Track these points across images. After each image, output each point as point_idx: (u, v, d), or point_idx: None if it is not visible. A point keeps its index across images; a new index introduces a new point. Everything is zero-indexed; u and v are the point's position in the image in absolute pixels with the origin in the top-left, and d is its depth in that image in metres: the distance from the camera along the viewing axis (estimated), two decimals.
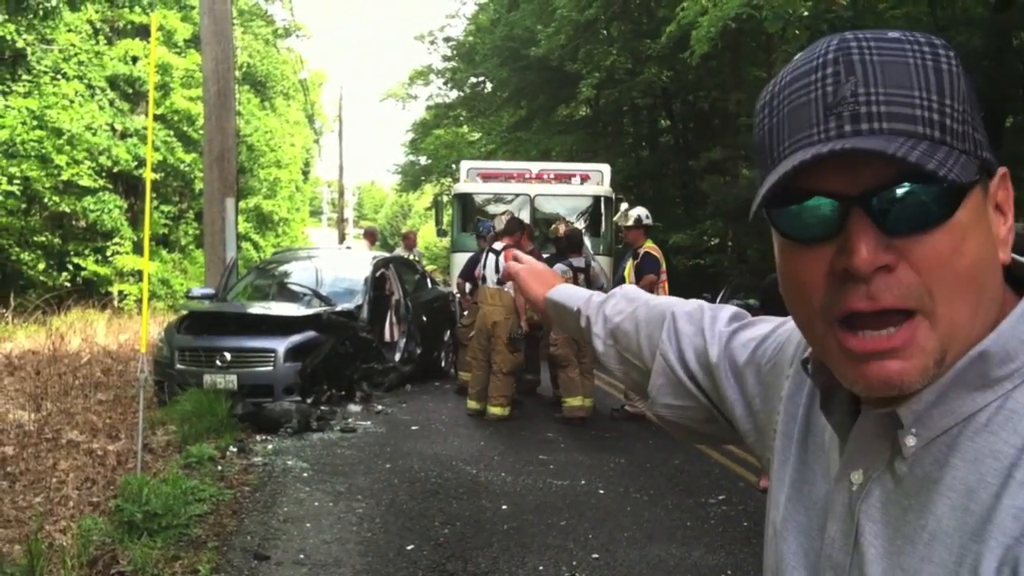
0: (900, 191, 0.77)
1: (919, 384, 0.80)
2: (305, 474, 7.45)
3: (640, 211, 10.21)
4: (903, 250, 0.78)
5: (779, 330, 1.16)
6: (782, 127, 0.83)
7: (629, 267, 9.93)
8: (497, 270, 9.79)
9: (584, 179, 16.72)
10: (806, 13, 13.74)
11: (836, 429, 0.92)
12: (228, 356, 9.43)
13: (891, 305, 0.78)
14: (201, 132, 16.28)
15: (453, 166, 33.41)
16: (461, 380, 11.46)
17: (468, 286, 11.24)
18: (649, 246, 9.92)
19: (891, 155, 0.74)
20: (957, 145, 0.78)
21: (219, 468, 7.47)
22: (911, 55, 0.79)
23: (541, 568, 5.42)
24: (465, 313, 11.63)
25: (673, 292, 10.08)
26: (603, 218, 15.92)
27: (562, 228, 10.66)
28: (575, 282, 9.51)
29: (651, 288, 9.62)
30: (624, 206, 13.43)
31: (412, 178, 39.39)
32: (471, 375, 10.14)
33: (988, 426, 0.80)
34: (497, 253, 9.87)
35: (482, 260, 10.13)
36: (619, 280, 10.10)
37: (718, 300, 16.48)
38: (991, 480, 0.77)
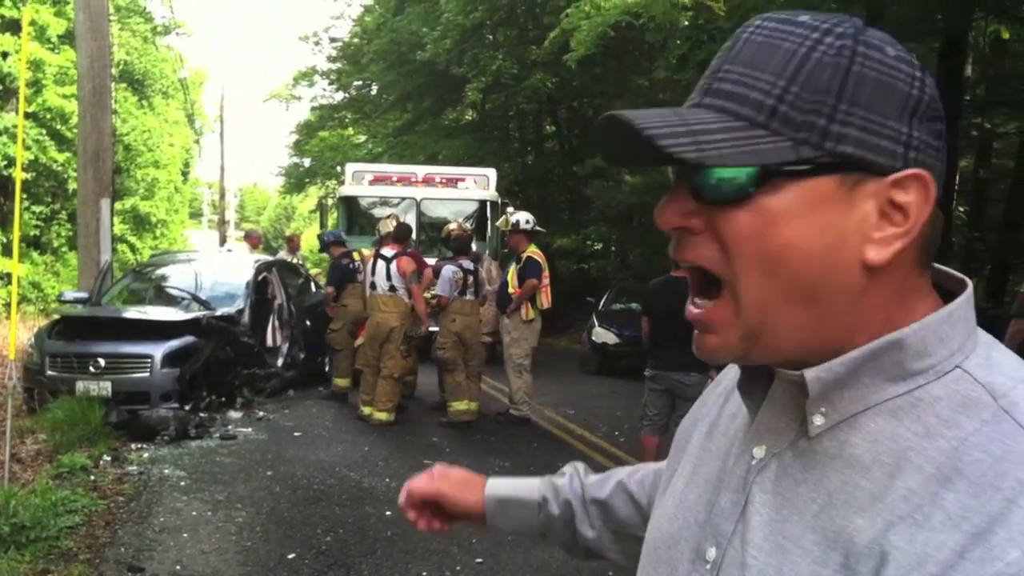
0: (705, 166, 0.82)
1: (727, 356, 0.88)
2: (183, 483, 7.26)
3: (521, 216, 10.27)
4: (711, 220, 0.83)
5: None
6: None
7: (512, 272, 9.98)
8: (388, 276, 9.72)
9: (470, 183, 16.74)
10: (686, 23, 14.02)
11: (749, 408, 0.94)
12: (102, 362, 9.14)
13: (688, 259, 0.85)
14: (75, 131, 15.75)
15: (338, 168, 33.05)
16: (336, 386, 11.35)
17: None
18: (532, 251, 9.99)
19: (642, 134, 0.79)
20: (785, 131, 0.80)
21: (92, 478, 7.23)
22: (792, 40, 0.82)
23: (424, 574, 5.41)
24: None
25: (556, 296, 10.19)
26: (489, 222, 15.96)
27: (454, 228, 10.66)
28: (464, 284, 9.55)
29: (533, 292, 9.71)
30: (510, 210, 13.51)
31: (296, 180, 38.81)
32: (363, 380, 10.04)
33: (892, 412, 0.82)
34: (387, 259, 9.80)
35: (370, 266, 10.02)
36: (503, 285, 10.14)
37: (602, 304, 16.74)
38: (886, 460, 0.80)
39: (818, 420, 0.84)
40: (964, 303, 0.85)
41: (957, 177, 12.83)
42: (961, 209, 14.53)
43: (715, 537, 0.91)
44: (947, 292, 0.89)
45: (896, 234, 0.82)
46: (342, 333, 11.22)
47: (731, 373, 1.11)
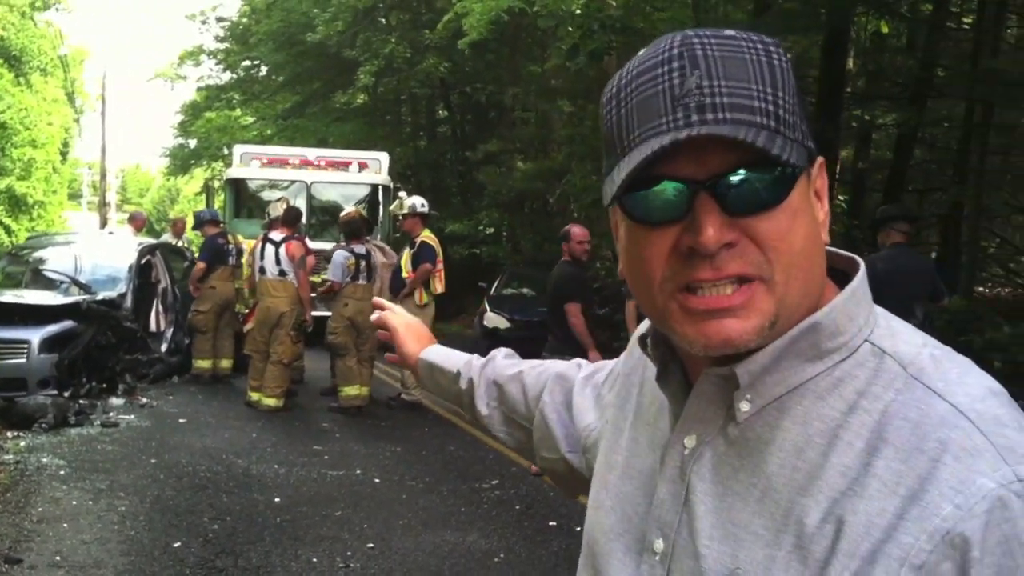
0: (742, 176, 0.83)
1: (754, 343, 0.86)
2: (62, 472, 7.03)
3: (416, 200, 10.24)
4: (745, 228, 0.84)
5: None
6: (631, 117, 0.87)
7: (406, 256, 9.93)
8: (277, 261, 9.58)
9: (362, 167, 16.58)
10: (578, 11, 14.13)
11: (671, 399, 0.97)
12: None
13: (735, 272, 0.84)
14: None
15: (225, 150, 32.35)
16: (197, 368, 11.16)
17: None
18: (426, 235, 9.95)
19: (742, 140, 0.80)
20: (789, 134, 0.84)
21: None
22: (747, 51, 0.85)
23: (315, 560, 5.35)
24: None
25: (448, 282, 10.17)
26: (381, 206, 15.84)
27: (352, 212, 10.54)
28: (356, 269, 9.47)
29: (427, 277, 9.68)
30: (402, 195, 13.43)
31: (181, 162, 37.78)
32: (252, 366, 9.85)
33: (816, 392, 0.87)
34: (276, 244, 9.64)
35: (259, 250, 9.84)
36: (397, 269, 10.07)
37: (493, 289, 16.78)
38: (818, 440, 0.84)
39: (744, 406, 0.89)
40: (862, 281, 0.91)
41: (838, 167, 13.21)
42: (841, 199, 14.97)
43: (660, 529, 0.94)
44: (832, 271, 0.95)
45: (825, 214, 0.92)
46: (209, 316, 11.01)
47: (631, 362, 1.16)
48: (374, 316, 1.68)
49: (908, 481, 0.78)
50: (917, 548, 0.75)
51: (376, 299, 1.77)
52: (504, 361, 1.52)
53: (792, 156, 0.82)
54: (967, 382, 0.84)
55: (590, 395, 1.30)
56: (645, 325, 1.04)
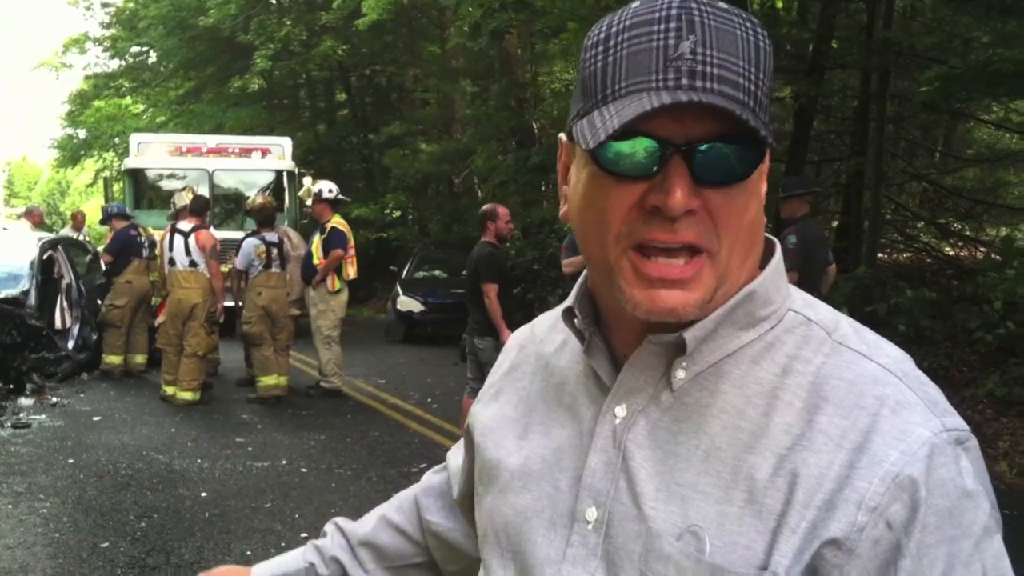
0: (716, 146, 0.85)
1: (695, 315, 0.89)
2: None
3: (324, 185, 10.11)
4: (706, 199, 0.86)
5: None
6: (619, 67, 0.87)
7: (316, 242, 9.82)
8: (187, 251, 9.37)
9: (264, 153, 16.30)
10: None
11: (600, 371, 0.98)
12: None
13: (690, 241, 0.86)
14: None
15: (116, 140, 31.49)
16: (107, 364, 10.98)
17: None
18: (336, 221, 9.86)
19: (736, 116, 0.82)
20: (762, 116, 0.86)
21: None
22: (739, 27, 0.87)
23: (249, 553, 5.30)
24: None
25: (358, 267, 10.11)
26: (286, 193, 15.61)
27: (260, 200, 10.34)
28: (268, 257, 9.33)
29: (338, 263, 9.59)
30: (307, 180, 13.27)
31: (71, 153, 36.66)
32: (165, 360, 9.63)
33: (750, 357, 0.92)
34: (185, 234, 9.43)
35: (167, 241, 9.61)
36: (308, 255, 9.95)
37: (405, 273, 16.70)
38: (758, 402, 0.90)
39: (680, 374, 0.93)
40: (780, 256, 0.98)
41: None
42: None
43: (593, 498, 0.95)
44: None
45: (764, 194, 0.95)
46: (125, 310, 10.82)
47: (508, 361, 1.17)
48: None
49: (852, 435, 0.84)
50: (872, 491, 0.81)
51: None
52: (351, 523, 1.37)
53: (769, 138, 0.85)
54: (884, 346, 0.92)
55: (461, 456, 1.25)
56: (569, 299, 1.03)
